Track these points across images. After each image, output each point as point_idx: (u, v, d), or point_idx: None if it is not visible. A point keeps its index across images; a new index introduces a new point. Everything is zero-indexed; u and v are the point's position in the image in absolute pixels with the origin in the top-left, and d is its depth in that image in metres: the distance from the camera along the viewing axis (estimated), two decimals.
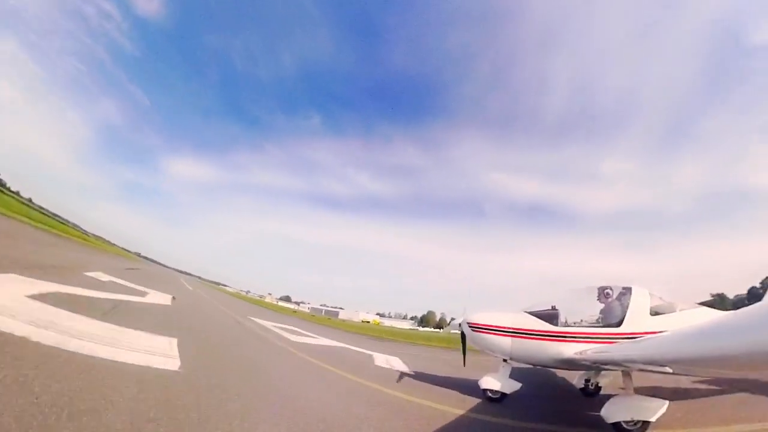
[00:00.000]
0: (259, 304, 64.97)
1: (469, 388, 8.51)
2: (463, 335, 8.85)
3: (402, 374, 10.64)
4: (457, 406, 7.30)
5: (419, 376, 10.64)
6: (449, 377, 10.84)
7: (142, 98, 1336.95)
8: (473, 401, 7.73)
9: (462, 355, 9.47)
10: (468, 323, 8.34)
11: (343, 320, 72.82)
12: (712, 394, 7.85)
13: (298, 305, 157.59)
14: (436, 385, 9.51)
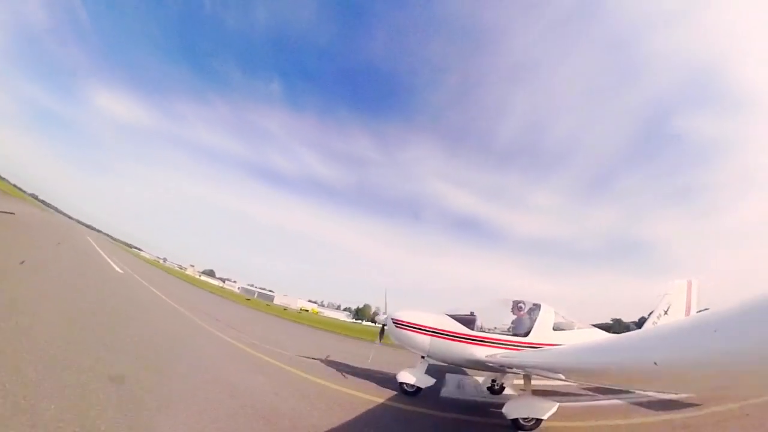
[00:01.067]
0: (181, 278, 58.65)
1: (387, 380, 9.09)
2: (382, 329, 9.43)
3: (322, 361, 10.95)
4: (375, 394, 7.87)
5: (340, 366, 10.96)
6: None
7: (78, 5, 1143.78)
8: (389, 393, 8.25)
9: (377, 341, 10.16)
10: (392, 319, 8.72)
11: (284, 307, 65.85)
12: (593, 399, 9.38)
13: (224, 282, 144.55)
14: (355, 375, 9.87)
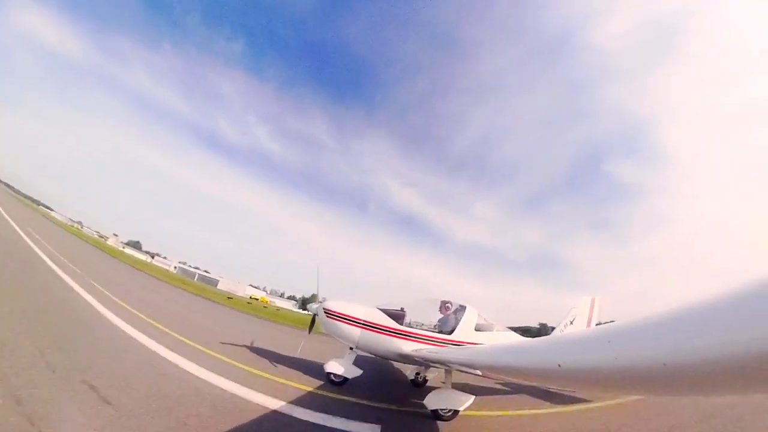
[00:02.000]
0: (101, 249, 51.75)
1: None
2: (313, 318, 9.37)
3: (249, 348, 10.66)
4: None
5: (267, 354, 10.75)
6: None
7: None
8: (316, 382, 8.27)
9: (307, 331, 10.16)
10: (324, 309, 8.67)
11: (230, 295, 58.25)
12: (504, 393, 10.52)
13: (152, 257, 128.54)
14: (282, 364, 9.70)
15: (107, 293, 13.99)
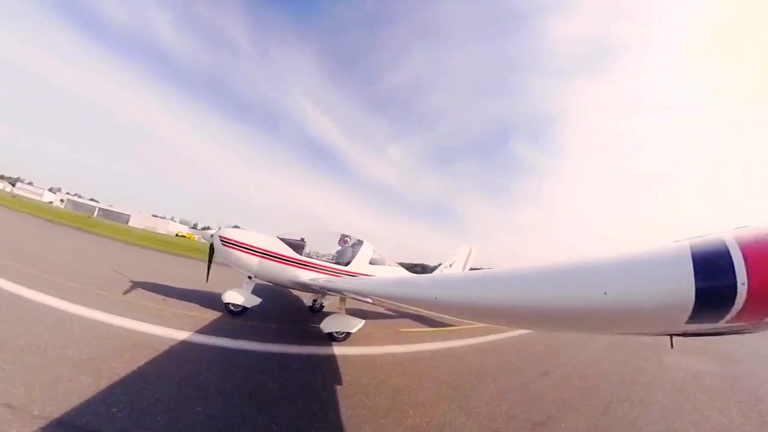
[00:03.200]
0: None
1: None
2: (211, 248, 8.80)
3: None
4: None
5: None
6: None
7: None
8: (215, 313, 8.08)
9: (207, 268, 9.49)
10: (220, 237, 8.32)
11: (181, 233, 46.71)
12: (391, 318, 11.97)
13: (13, 186, 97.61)
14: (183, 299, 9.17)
15: None
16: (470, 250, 15.06)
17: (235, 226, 8.77)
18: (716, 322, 1.32)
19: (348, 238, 9.74)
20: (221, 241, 8.30)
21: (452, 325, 11.68)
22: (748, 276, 1.19)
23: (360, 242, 9.61)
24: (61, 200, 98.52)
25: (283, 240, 8.71)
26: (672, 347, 2.42)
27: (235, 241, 8.26)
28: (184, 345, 5.59)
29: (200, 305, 8.62)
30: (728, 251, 1.24)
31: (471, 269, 14.75)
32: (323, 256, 9.19)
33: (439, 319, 11.97)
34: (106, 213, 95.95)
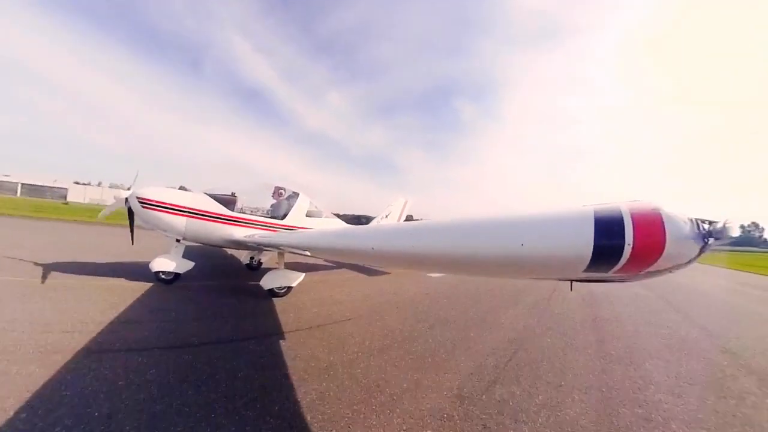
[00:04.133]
0: None
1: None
2: (130, 211, 7.84)
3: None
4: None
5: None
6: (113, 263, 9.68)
7: None
8: (145, 285, 7.33)
9: (130, 234, 8.57)
10: (137, 197, 7.40)
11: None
12: (330, 269, 12.18)
13: None
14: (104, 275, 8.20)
15: None
16: (405, 202, 15.55)
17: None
18: (606, 272, 1.76)
19: (283, 191, 9.37)
20: (139, 202, 7.38)
21: (388, 273, 12.29)
22: (633, 239, 1.61)
23: (296, 194, 9.34)
24: None
25: (211, 196, 8.07)
26: (571, 290, 3.19)
27: (156, 201, 7.42)
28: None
29: (124, 278, 7.79)
30: (622, 218, 1.64)
31: (406, 220, 15.46)
32: (257, 210, 8.78)
33: (376, 268, 12.44)
34: (32, 189, 76.33)
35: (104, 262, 9.63)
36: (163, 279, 7.60)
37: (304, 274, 7.87)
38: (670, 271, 1.75)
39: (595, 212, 1.71)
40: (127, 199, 7.59)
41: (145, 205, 7.42)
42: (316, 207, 9.87)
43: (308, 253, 5.64)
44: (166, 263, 7.56)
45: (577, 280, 2.22)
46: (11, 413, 2.73)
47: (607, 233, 1.64)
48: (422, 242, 2.32)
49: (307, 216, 9.40)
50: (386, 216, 15.01)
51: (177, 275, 7.77)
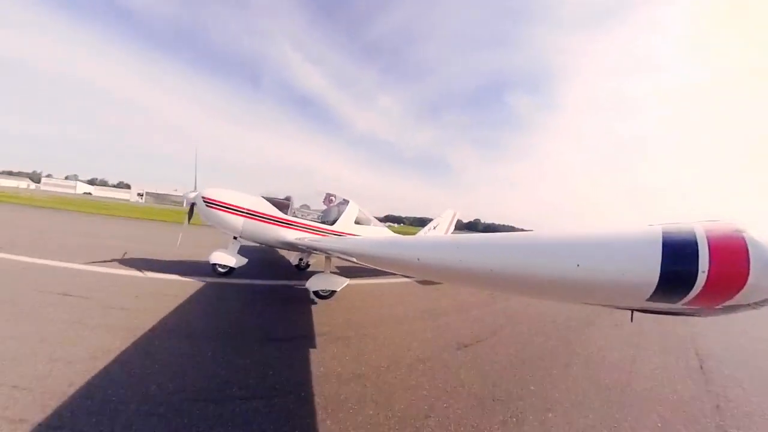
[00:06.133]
0: None
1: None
2: (191, 207, 8.55)
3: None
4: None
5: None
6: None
7: None
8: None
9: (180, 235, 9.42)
10: (203, 197, 8.08)
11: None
12: (376, 276, 11.97)
13: (38, 182, 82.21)
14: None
15: None
16: (454, 214, 15.27)
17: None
18: (674, 303, 1.46)
19: (333, 198, 9.71)
20: (204, 201, 8.09)
21: (438, 283, 11.90)
22: (709, 266, 1.32)
23: (346, 202, 9.61)
24: (139, 194, 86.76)
25: (268, 199, 8.62)
26: (632, 321, 2.63)
27: (219, 202, 8.09)
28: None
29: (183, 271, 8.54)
30: (696, 241, 1.37)
31: (452, 233, 15.04)
32: (309, 215, 9.17)
33: (419, 279, 12.23)
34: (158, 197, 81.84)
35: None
36: (218, 271, 8.32)
37: (348, 280, 7.96)
38: (754, 308, 1.42)
39: (664, 232, 1.45)
40: (193, 197, 8.30)
41: (209, 205, 8.09)
42: (364, 215, 10.06)
43: (355, 260, 5.73)
44: (223, 257, 8.19)
45: (639, 310, 1.90)
46: None
47: (677, 258, 1.38)
48: (469, 257, 2.17)
49: (355, 223, 9.62)
50: (434, 228, 14.84)
51: (231, 269, 8.38)
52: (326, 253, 7.29)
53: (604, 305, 2.15)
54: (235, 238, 8.49)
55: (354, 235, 9.22)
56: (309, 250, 8.37)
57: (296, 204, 9.02)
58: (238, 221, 8.16)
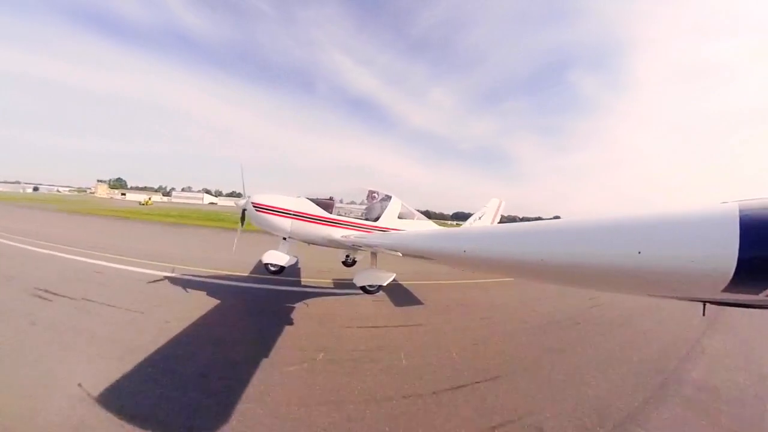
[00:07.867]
0: None
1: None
2: (243, 213, 9.07)
3: None
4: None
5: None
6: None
7: None
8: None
9: (237, 233, 9.96)
10: (252, 203, 8.56)
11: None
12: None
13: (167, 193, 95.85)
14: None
15: None
16: (500, 203, 14.71)
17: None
18: (755, 294, 1.21)
19: (376, 194, 9.74)
20: (254, 207, 8.56)
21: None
22: None
23: (388, 197, 9.62)
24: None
25: (312, 200, 8.87)
26: (704, 315, 2.21)
27: (267, 206, 8.51)
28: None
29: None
30: None
31: (499, 222, 14.48)
32: (352, 213, 9.29)
33: (466, 272, 12.05)
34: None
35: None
36: (271, 270, 8.82)
37: (394, 274, 8.01)
38: None
39: (741, 211, 1.16)
40: (244, 203, 8.77)
41: (258, 209, 8.51)
42: (408, 209, 10.02)
43: (400, 254, 5.73)
44: (275, 256, 8.53)
45: (713, 303, 1.61)
46: None
47: (759, 240, 1.12)
48: (519, 247, 2.03)
49: (399, 218, 9.60)
50: (480, 218, 14.44)
51: (282, 267, 8.79)
52: (371, 248, 7.38)
53: (671, 297, 1.83)
54: (284, 239, 8.83)
55: (398, 230, 9.23)
56: (355, 246, 8.52)
57: (339, 203, 9.20)
58: (286, 223, 8.51)
